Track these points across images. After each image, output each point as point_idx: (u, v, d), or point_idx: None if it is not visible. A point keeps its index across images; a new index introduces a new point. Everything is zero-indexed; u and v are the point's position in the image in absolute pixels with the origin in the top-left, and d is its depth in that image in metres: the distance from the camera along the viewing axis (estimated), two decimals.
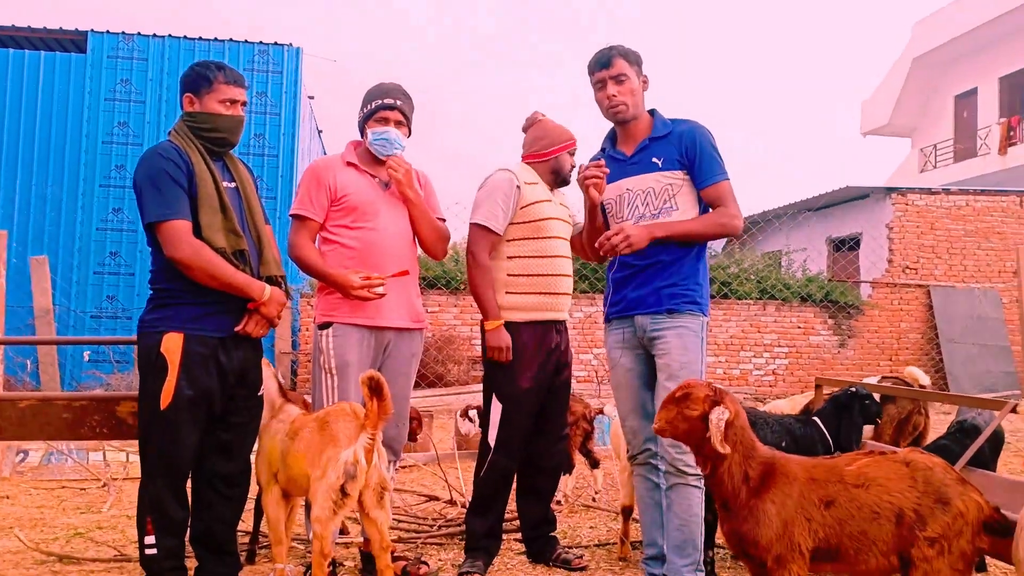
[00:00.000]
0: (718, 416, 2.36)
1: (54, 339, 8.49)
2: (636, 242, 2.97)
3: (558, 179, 3.66)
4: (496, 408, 3.52)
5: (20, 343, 5.23)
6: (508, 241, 3.52)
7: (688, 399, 2.44)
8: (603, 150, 3.31)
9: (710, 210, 3.16)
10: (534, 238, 3.51)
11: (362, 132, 3.51)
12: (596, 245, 3.09)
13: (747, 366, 12.80)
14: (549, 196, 3.59)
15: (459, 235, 9.02)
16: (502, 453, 3.53)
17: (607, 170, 3.10)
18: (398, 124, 3.45)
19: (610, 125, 3.31)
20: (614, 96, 3.13)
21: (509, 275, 3.52)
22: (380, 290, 3.25)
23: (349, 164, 3.45)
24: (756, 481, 2.38)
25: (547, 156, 3.63)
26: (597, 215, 3.24)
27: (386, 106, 3.43)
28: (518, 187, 3.50)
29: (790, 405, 4.89)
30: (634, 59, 3.18)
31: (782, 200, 16.19)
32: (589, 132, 3.58)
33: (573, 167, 3.63)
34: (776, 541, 2.32)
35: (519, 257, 3.51)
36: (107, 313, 12.27)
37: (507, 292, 3.51)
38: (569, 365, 3.71)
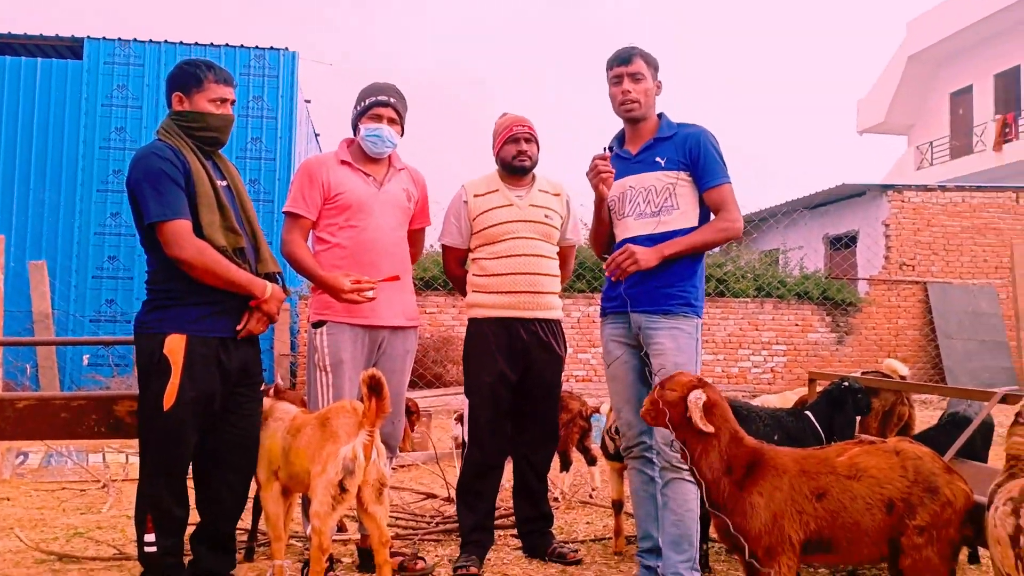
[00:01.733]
0: (696, 396, 2.45)
1: (51, 340, 8.52)
2: (644, 263, 3.02)
3: (509, 170, 3.71)
4: (465, 403, 3.69)
5: (18, 344, 5.26)
6: (472, 249, 3.74)
7: (671, 381, 2.56)
8: (610, 148, 3.35)
9: (709, 212, 3.21)
10: (490, 243, 3.66)
11: (355, 129, 3.54)
12: (605, 270, 3.15)
13: (745, 364, 12.84)
14: (507, 200, 3.67)
15: None
16: (475, 447, 3.65)
17: (613, 170, 3.15)
18: (391, 122, 3.49)
19: (619, 123, 3.35)
20: (628, 92, 3.18)
21: (474, 275, 3.72)
22: (370, 294, 3.27)
23: (343, 163, 3.48)
24: (741, 472, 2.41)
25: (496, 157, 3.76)
26: (604, 210, 3.30)
27: (380, 103, 3.47)
28: (465, 202, 3.72)
29: (781, 400, 4.92)
30: (652, 62, 3.25)
31: (779, 198, 16.26)
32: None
33: (520, 152, 3.67)
34: (765, 533, 2.33)
35: (478, 260, 3.71)
36: (106, 317, 12.29)
37: (473, 291, 3.70)
38: (550, 367, 3.70)
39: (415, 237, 3.74)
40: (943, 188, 14.48)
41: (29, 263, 10.23)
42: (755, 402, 4.18)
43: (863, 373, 5.14)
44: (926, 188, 14.49)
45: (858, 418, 3.97)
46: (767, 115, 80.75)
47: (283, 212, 3.47)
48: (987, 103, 22.08)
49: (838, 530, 2.32)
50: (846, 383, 3.67)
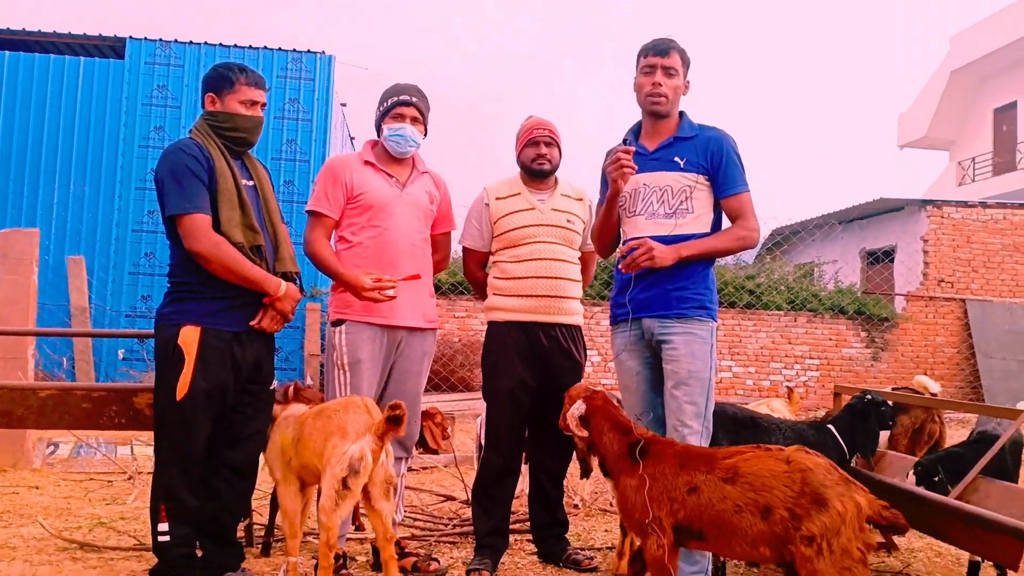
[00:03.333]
0: (575, 408, 2.85)
1: (81, 331, 8.68)
2: (660, 260, 2.95)
3: (529, 173, 3.68)
4: (483, 407, 3.66)
5: (48, 334, 5.35)
6: (493, 252, 3.72)
7: (567, 395, 2.98)
8: (625, 141, 3.24)
9: (724, 218, 3.15)
10: (511, 247, 3.62)
11: (378, 130, 3.56)
12: (621, 267, 3.06)
13: (777, 377, 12.65)
14: (529, 204, 3.64)
15: None
16: (492, 451, 3.63)
17: (635, 166, 3.04)
18: (414, 121, 3.49)
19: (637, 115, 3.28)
20: (659, 85, 3.11)
21: (495, 278, 3.68)
22: (391, 292, 3.27)
23: (367, 163, 3.50)
24: (625, 460, 2.68)
25: (517, 159, 3.73)
26: (614, 207, 3.20)
27: (402, 102, 3.48)
28: (487, 204, 3.69)
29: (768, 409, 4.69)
30: (687, 60, 3.19)
31: (816, 211, 16.03)
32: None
33: (539, 156, 3.62)
34: (634, 511, 2.57)
35: (499, 263, 3.67)
36: (140, 312, 12.48)
37: (493, 294, 3.67)
38: (570, 373, 3.62)
39: (440, 242, 3.72)
40: (983, 205, 14.19)
41: (68, 258, 10.46)
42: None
43: (893, 389, 5.02)
44: (966, 204, 14.21)
45: (886, 433, 3.90)
46: (807, 127, 79.88)
47: (306, 211, 3.48)
48: None
49: (707, 525, 2.44)
50: (868, 396, 3.59)
